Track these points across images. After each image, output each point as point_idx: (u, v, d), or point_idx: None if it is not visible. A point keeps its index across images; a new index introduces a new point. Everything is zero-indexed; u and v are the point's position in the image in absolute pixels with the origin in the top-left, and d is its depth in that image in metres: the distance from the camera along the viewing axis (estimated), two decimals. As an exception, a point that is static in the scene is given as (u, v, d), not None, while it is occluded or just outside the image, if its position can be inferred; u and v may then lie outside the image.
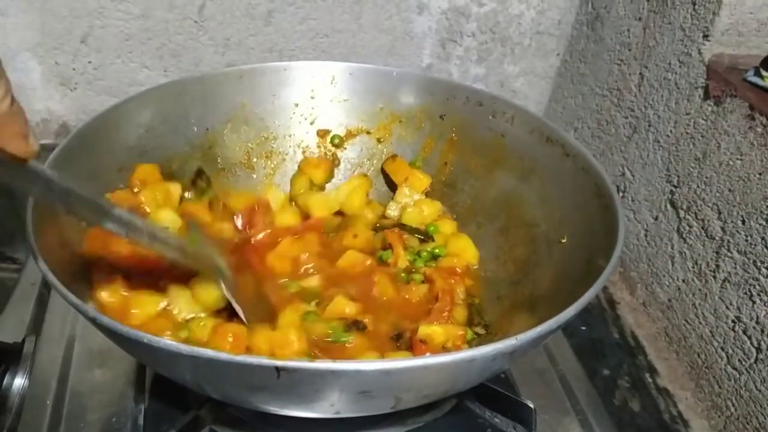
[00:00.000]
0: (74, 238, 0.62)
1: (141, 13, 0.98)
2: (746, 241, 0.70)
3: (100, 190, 0.69)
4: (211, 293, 0.63)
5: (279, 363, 0.43)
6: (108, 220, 0.53)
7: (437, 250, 0.77)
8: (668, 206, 0.83)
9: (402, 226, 0.80)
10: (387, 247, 0.77)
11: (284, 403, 0.51)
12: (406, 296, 0.71)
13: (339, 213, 0.83)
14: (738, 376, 0.71)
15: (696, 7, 0.78)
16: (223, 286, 0.63)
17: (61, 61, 1.00)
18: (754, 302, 0.69)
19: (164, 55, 1.02)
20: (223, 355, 0.43)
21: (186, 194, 0.77)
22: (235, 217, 0.77)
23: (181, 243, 0.62)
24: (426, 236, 0.79)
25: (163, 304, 0.64)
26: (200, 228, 0.70)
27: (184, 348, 0.44)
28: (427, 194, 0.84)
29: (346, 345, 0.64)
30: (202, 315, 0.64)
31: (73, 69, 1.02)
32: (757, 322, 0.69)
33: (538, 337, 0.48)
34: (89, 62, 1.01)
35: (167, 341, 0.45)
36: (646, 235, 0.88)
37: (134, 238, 0.55)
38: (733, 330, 0.72)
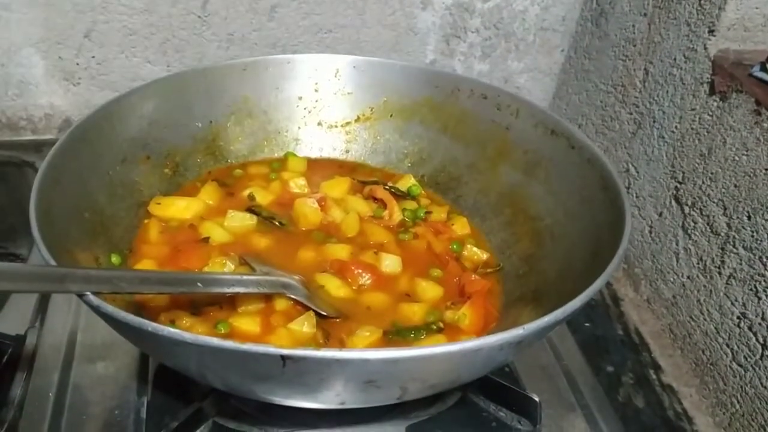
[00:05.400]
0: (76, 232, 0.62)
1: (144, 8, 0.98)
2: (752, 237, 0.70)
3: (104, 182, 0.69)
4: (303, 331, 0.63)
5: (284, 351, 0.42)
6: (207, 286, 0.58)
7: (419, 211, 0.79)
8: (673, 202, 0.83)
9: (383, 185, 0.82)
10: (376, 200, 0.80)
11: (289, 393, 0.50)
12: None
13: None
14: (743, 372, 0.71)
15: (701, 2, 0.78)
16: (300, 299, 0.64)
17: (64, 56, 1.00)
18: (759, 298, 0.69)
19: (167, 50, 1.02)
20: (228, 344, 0.43)
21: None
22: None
23: (257, 278, 0.65)
24: (406, 195, 0.82)
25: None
26: (258, 256, 0.71)
27: (189, 336, 0.43)
28: (432, 189, 0.84)
29: None
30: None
31: (77, 64, 1.01)
32: (763, 319, 0.68)
33: (544, 327, 0.47)
34: (92, 57, 1.01)
35: (171, 329, 0.44)
36: (650, 232, 0.87)
37: (221, 291, 0.60)
38: (739, 326, 0.72)
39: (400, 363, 0.44)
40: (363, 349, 0.59)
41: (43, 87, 1.03)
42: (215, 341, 0.43)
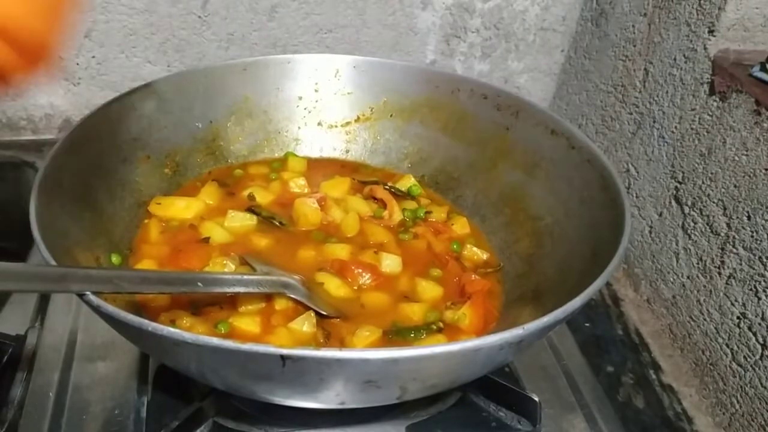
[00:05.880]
0: (77, 232, 0.62)
1: (145, 8, 0.98)
2: (752, 237, 0.70)
3: (104, 181, 0.69)
4: (303, 331, 0.63)
5: (284, 351, 0.42)
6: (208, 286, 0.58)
7: (419, 211, 0.79)
8: (673, 202, 0.83)
9: (384, 184, 0.82)
10: (376, 200, 0.80)
11: (289, 392, 0.50)
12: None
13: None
14: (743, 372, 0.71)
15: (701, 2, 0.78)
16: (301, 299, 0.64)
17: (64, 56, 1.00)
18: (759, 298, 0.69)
19: (168, 50, 1.02)
20: (228, 343, 0.43)
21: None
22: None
23: (257, 278, 0.64)
24: (407, 195, 0.82)
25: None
26: (258, 255, 0.71)
27: (189, 336, 0.44)
28: (432, 189, 0.85)
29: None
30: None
31: (77, 64, 1.01)
32: (763, 319, 0.68)
33: (544, 327, 0.47)
34: (93, 57, 1.01)
35: (171, 329, 0.44)
36: (650, 232, 0.88)
37: (222, 290, 0.60)
38: (738, 326, 0.72)
39: (400, 363, 0.45)
40: (363, 349, 0.59)
41: (43, 87, 1.03)
42: (215, 341, 0.43)
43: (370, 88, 0.85)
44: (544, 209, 0.72)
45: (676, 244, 0.82)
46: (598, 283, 0.52)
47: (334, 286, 0.68)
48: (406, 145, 0.87)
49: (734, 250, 0.72)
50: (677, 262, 0.82)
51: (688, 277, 0.80)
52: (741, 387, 0.71)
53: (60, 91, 1.04)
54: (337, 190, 0.81)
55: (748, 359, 0.70)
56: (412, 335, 0.63)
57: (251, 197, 0.79)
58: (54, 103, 1.05)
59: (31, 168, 0.99)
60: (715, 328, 0.75)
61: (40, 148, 1.03)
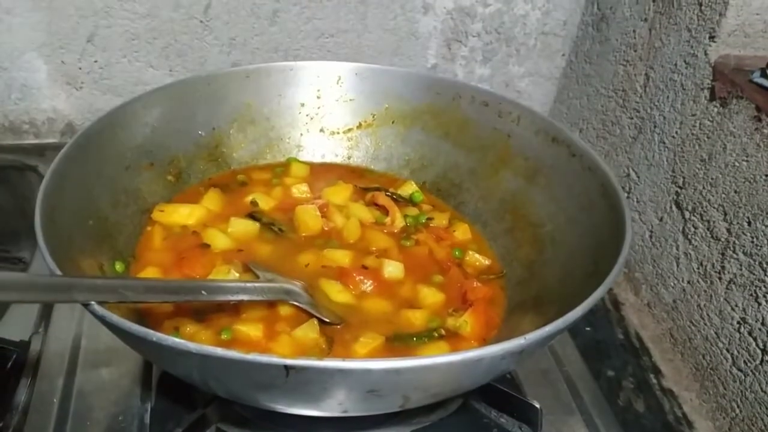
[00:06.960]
0: (80, 240, 0.63)
1: (147, 13, 0.98)
2: (752, 242, 0.70)
3: (107, 189, 0.69)
4: (306, 338, 0.63)
5: (288, 361, 0.43)
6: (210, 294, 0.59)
7: (421, 217, 0.80)
8: (673, 207, 0.83)
9: (385, 191, 0.83)
10: (378, 206, 0.81)
11: (292, 401, 0.51)
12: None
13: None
14: (743, 377, 0.71)
15: (702, 8, 0.78)
16: (303, 305, 0.64)
17: (67, 61, 1.01)
18: (759, 304, 0.69)
19: (170, 54, 1.02)
20: (232, 354, 0.43)
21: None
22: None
23: (260, 285, 0.65)
24: (408, 202, 0.82)
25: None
26: (261, 263, 0.71)
27: (193, 346, 0.44)
28: (434, 195, 0.85)
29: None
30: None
31: (79, 68, 1.02)
32: (763, 324, 0.69)
33: (546, 336, 0.48)
34: (95, 61, 1.01)
35: (175, 339, 0.45)
36: (651, 236, 0.88)
37: (225, 298, 0.61)
38: (739, 331, 0.72)
39: (403, 373, 0.45)
40: (365, 360, 0.59)
41: (46, 91, 1.03)
42: (219, 351, 0.43)
43: (372, 95, 0.85)
44: (545, 216, 0.72)
45: (677, 249, 0.82)
46: (599, 292, 0.52)
47: (335, 292, 0.68)
48: (408, 152, 0.87)
49: (735, 256, 0.73)
50: (678, 266, 0.82)
51: (688, 282, 0.80)
52: (741, 391, 0.72)
53: (62, 95, 1.04)
54: (339, 197, 0.81)
55: (749, 364, 0.71)
56: (414, 341, 0.64)
57: (254, 203, 0.79)
58: (56, 107, 1.05)
59: (33, 172, 0.99)
60: (716, 333, 0.76)
61: (43, 152, 1.03)
